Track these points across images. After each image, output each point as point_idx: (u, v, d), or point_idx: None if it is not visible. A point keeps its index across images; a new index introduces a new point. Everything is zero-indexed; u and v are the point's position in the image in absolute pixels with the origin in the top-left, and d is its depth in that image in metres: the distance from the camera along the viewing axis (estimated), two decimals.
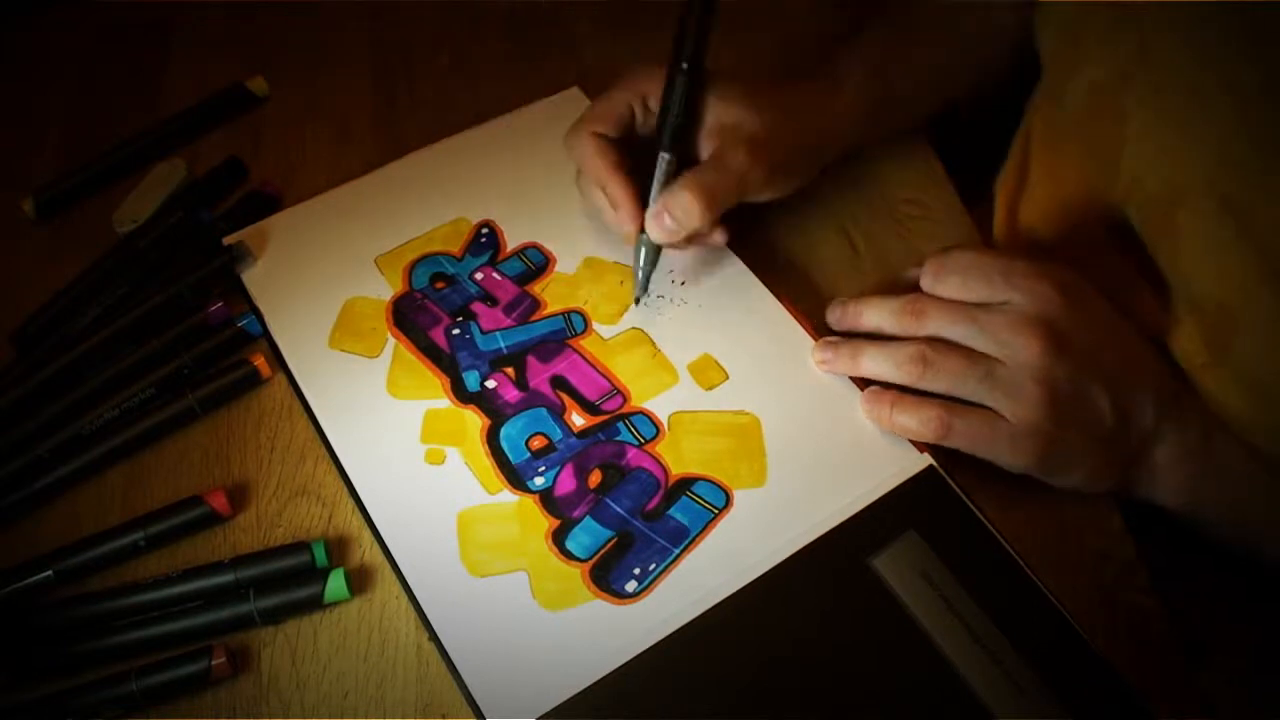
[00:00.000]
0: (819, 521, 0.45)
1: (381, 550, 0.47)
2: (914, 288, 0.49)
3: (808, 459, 0.48)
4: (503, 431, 0.49)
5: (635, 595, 0.44)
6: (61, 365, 0.52)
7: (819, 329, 0.51)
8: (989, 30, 0.60)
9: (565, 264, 0.55)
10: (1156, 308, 0.50)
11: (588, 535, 0.46)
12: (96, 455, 0.50)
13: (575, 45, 0.67)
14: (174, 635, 0.45)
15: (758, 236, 0.58)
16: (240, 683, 0.44)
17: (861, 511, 0.45)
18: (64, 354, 0.52)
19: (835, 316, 0.51)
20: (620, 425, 0.49)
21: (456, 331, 0.53)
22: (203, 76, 0.67)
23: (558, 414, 0.50)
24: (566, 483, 0.48)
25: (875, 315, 0.49)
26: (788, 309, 0.52)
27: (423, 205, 0.58)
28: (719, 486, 0.47)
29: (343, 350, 0.53)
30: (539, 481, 0.48)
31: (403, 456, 0.49)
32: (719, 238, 0.53)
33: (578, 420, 0.50)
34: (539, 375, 0.51)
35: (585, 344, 0.52)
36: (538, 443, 0.49)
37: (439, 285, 0.55)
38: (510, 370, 0.51)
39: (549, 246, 0.56)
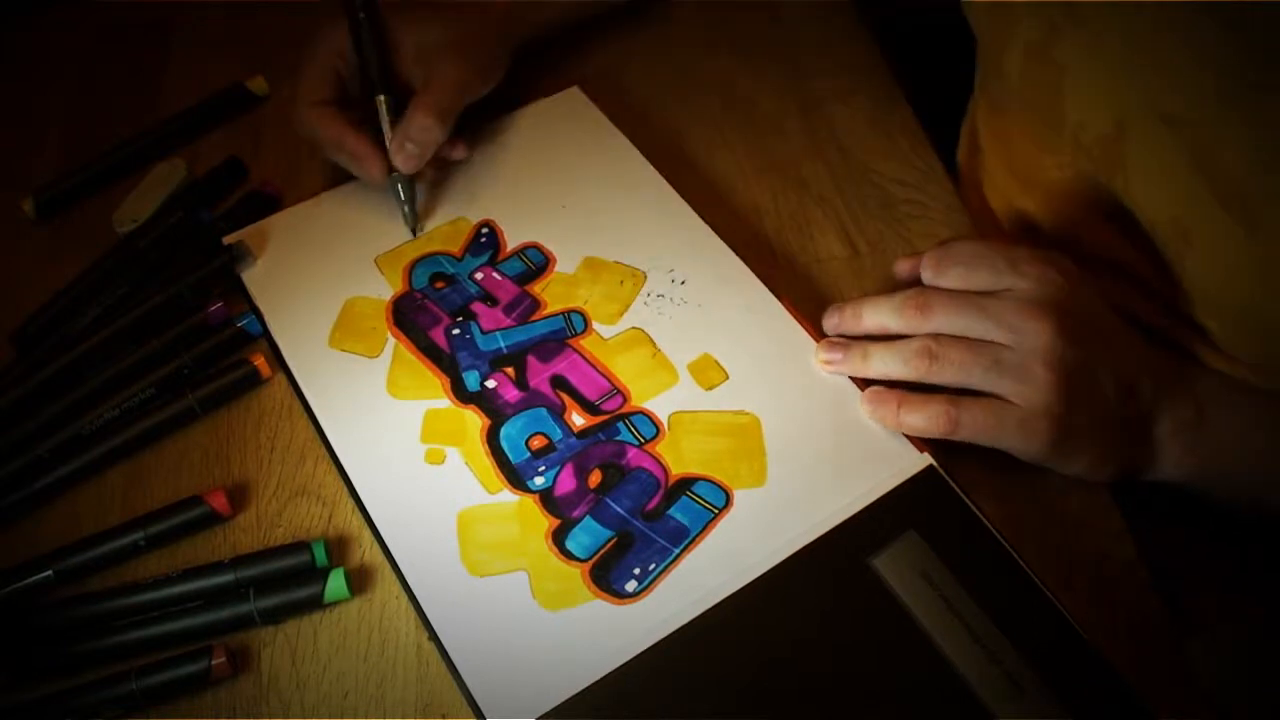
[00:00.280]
0: (819, 521, 0.45)
1: (381, 550, 0.47)
2: (908, 283, 0.49)
3: (808, 459, 0.48)
4: (503, 431, 0.49)
5: (635, 595, 0.44)
6: (61, 365, 0.52)
7: (819, 329, 0.51)
8: None
9: (565, 264, 0.55)
10: (1122, 251, 0.52)
11: (588, 535, 0.46)
12: (96, 455, 0.50)
13: (575, 45, 0.67)
14: (174, 635, 0.45)
15: (757, 236, 0.58)
16: (240, 683, 0.44)
17: (861, 511, 0.45)
18: (64, 354, 0.52)
19: (834, 322, 0.50)
20: (620, 425, 0.49)
21: (456, 331, 0.53)
22: (203, 76, 0.67)
23: (558, 414, 0.50)
24: (566, 482, 0.48)
25: (877, 315, 0.49)
26: (788, 309, 0.52)
27: (423, 205, 0.58)
28: (719, 486, 0.47)
29: (343, 350, 0.53)
30: (539, 481, 0.48)
31: (403, 456, 0.49)
32: (460, 152, 0.58)
33: (578, 420, 0.50)
34: (539, 375, 0.51)
35: (585, 344, 0.52)
36: (538, 442, 0.49)
37: (439, 285, 0.55)
38: (510, 370, 0.51)
39: (549, 246, 0.56)
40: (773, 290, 0.53)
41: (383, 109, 0.55)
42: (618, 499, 0.47)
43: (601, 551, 0.46)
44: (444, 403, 0.51)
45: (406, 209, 0.56)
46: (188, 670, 0.43)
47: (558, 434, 0.49)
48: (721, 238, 0.55)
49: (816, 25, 0.68)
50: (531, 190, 0.59)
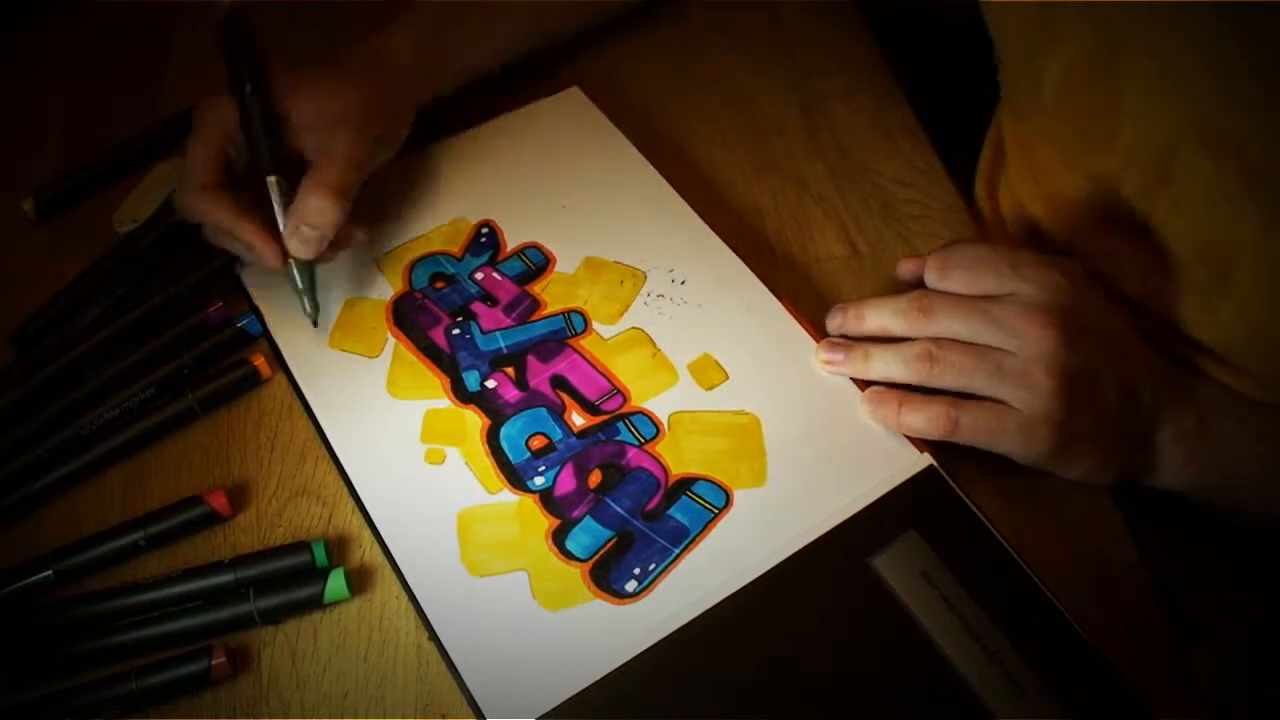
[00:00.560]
0: (819, 521, 0.45)
1: (381, 550, 0.47)
2: (910, 285, 0.49)
3: (808, 459, 0.48)
4: (503, 431, 0.49)
5: (635, 595, 0.44)
6: (61, 365, 0.52)
7: (819, 329, 0.51)
8: None
9: (565, 264, 0.55)
10: (1148, 273, 0.51)
11: (588, 535, 0.46)
12: (96, 455, 0.50)
13: (575, 45, 0.67)
14: (174, 635, 0.45)
15: (757, 236, 0.58)
16: (240, 683, 0.44)
17: (861, 511, 0.45)
18: (64, 354, 0.52)
19: (836, 322, 0.50)
20: (620, 425, 0.49)
21: (456, 331, 0.53)
22: (203, 76, 0.66)
23: (558, 414, 0.50)
24: (566, 482, 0.48)
25: (879, 316, 0.48)
26: (788, 309, 0.52)
27: (423, 205, 0.58)
28: (719, 486, 0.47)
29: (343, 350, 0.53)
30: (539, 481, 0.48)
31: (403, 456, 0.49)
32: (361, 236, 0.54)
33: (578, 420, 0.50)
34: (539, 375, 0.51)
35: (585, 344, 0.52)
36: (538, 442, 0.49)
37: (439, 285, 0.55)
38: (510, 370, 0.51)
39: (549, 246, 0.56)
40: (773, 290, 0.53)
41: (274, 191, 0.51)
42: (618, 499, 0.47)
43: (601, 551, 0.46)
44: (444, 403, 0.50)
45: (305, 299, 0.52)
46: (188, 670, 0.43)
47: (558, 434, 0.49)
48: (721, 238, 0.55)
49: (816, 25, 0.68)
50: (531, 190, 0.59)
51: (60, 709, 0.43)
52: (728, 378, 0.51)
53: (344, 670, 0.44)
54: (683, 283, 0.54)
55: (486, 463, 0.48)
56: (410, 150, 0.60)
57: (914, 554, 0.44)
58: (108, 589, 0.46)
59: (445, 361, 0.52)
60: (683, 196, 0.57)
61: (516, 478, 0.48)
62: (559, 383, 0.51)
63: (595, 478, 0.48)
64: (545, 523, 0.47)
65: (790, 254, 0.57)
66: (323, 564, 0.46)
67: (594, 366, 0.52)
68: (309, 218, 0.50)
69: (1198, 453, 0.47)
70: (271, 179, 0.51)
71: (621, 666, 0.42)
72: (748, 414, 0.49)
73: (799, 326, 0.52)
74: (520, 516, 0.47)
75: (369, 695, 0.44)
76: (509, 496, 0.47)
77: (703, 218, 0.56)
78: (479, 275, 0.55)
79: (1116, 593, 0.45)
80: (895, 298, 0.48)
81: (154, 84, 0.68)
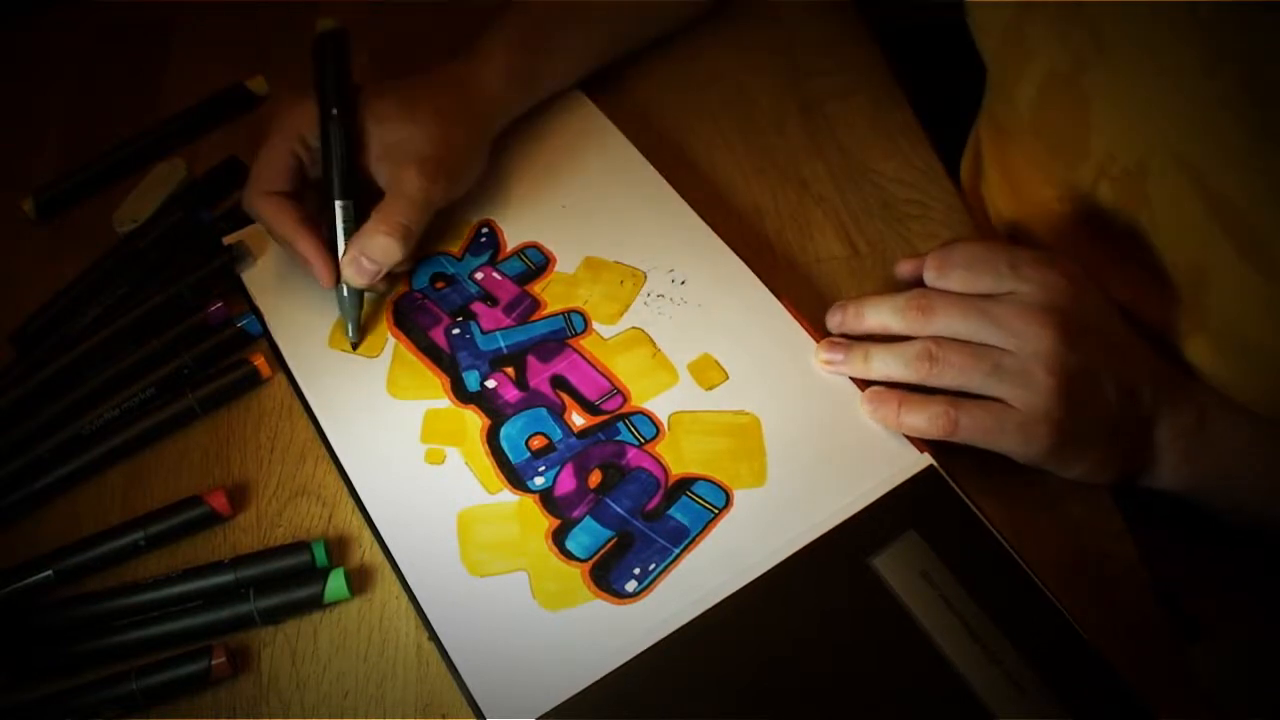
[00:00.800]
0: (819, 521, 0.45)
1: (381, 550, 0.47)
2: (910, 284, 0.49)
3: (808, 459, 0.48)
4: (503, 431, 0.49)
5: (635, 595, 0.44)
6: (61, 365, 0.52)
7: (819, 329, 0.51)
8: None
9: (565, 264, 0.55)
10: (1134, 286, 0.51)
11: (588, 535, 0.46)
12: (96, 455, 0.50)
13: None
14: (174, 635, 0.45)
15: (757, 236, 0.58)
16: (240, 683, 0.44)
17: (861, 511, 0.45)
18: (64, 354, 0.52)
19: (836, 321, 0.50)
20: (620, 425, 0.49)
21: (456, 331, 0.53)
22: (203, 76, 0.67)
23: (558, 414, 0.50)
24: (566, 482, 0.48)
25: (879, 315, 0.49)
26: (788, 309, 0.52)
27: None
28: (719, 486, 0.47)
29: (343, 350, 0.53)
30: (539, 481, 0.48)
31: (403, 456, 0.49)
32: (406, 266, 0.54)
33: (578, 420, 0.50)
34: (539, 375, 0.51)
35: (585, 344, 0.52)
36: (538, 442, 0.49)
37: (439, 285, 0.55)
38: (510, 370, 0.51)
39: (549, 246, 0.56)
40: (773, 290, 0.53)
41: (339, 216, 0.51)
42: (618, 499, 0.47)
43: (601, 551, 0.46)
44: (444, 403, 0.50)
45: (350, 322, 0.52)
46: (188, 670, 0.43)
47: (558, 434, 0.49)
48: (721, 238, 0.55)
49: (816, 25, 0.68)
50: (531, 190, 0.59)
51: (60, 709, 0.43)
52: (728, 378, 0.51)
53: (344, 670, 0.44)
54: (683, 283, 0.54)
55: (486, 463, 0.48)
56: None
57: (914, 554, 0.44)
58: (108, 589, 0.46)
59: (445, 361, 0.52)
60: (683, 196, 0.57)
61: (516, 478, 0.48)
62: (559, 383, 0.51)
63: (595, 478, 0.48)
64: (545, 523, 0.47)
65: (790, 254, 0.57)
66: (323, 564, 0.46)
67: (594, 366, 0.52)
68: (372, 252, 0.50)
69: (1196, 451, 0.47)
70: (340, 203, 0.51)
71: (621, 666, 0.42)
72: (748, 414, 0.49)
73: (799, 326, 0.52)
74: (520, 516, 0.47)
75: (369, 695, 0.44)
76: (509, 496, 0.47)
77: (703, 218, 0.56)
78: (479, 275, 0.55)
79: (1116, 592, 0.45)
80: (895, 296, 0.48)
81: (154, 84, 0.68)
